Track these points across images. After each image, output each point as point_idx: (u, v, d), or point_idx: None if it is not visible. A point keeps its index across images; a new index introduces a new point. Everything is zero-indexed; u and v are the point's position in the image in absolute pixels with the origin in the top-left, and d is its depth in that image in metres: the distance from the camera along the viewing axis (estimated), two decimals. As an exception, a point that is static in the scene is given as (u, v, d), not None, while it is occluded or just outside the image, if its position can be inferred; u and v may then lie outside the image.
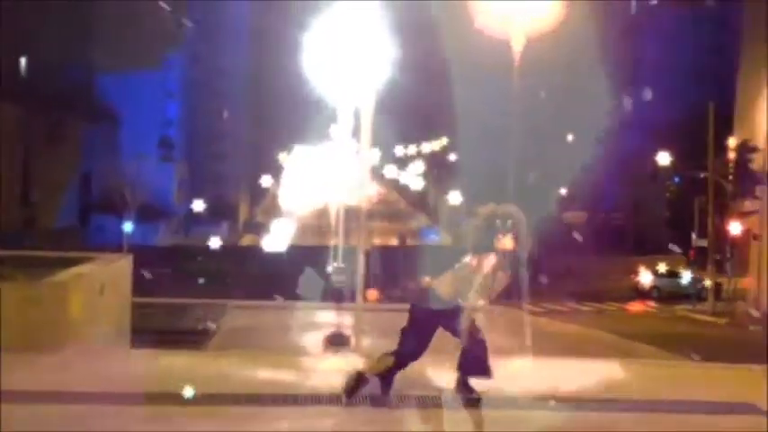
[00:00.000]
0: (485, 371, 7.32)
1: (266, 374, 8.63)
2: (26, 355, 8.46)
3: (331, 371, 8.46)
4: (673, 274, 41.66)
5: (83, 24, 53.95)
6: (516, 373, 8.65)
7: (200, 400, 7.37)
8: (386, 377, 7.30)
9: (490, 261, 7.31)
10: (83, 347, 9.16)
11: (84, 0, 54.50)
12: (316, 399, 7.67)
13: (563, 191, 52.46)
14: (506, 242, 7.30)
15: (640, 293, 41.37)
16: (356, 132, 19.78)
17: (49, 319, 9.17)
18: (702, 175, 39.56)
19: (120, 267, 11.28)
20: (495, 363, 7.45)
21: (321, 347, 15.44)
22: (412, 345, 7.26)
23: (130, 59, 55.34)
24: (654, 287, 41.50)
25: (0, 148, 44.60)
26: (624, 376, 9.25)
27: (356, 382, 7.29)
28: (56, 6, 50.51)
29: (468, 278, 7.33)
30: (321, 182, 47.13)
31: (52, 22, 50.48)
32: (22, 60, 50.63)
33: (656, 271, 41.85)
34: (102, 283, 10.37)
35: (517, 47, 36.48)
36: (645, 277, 42.04)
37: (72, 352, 8.92)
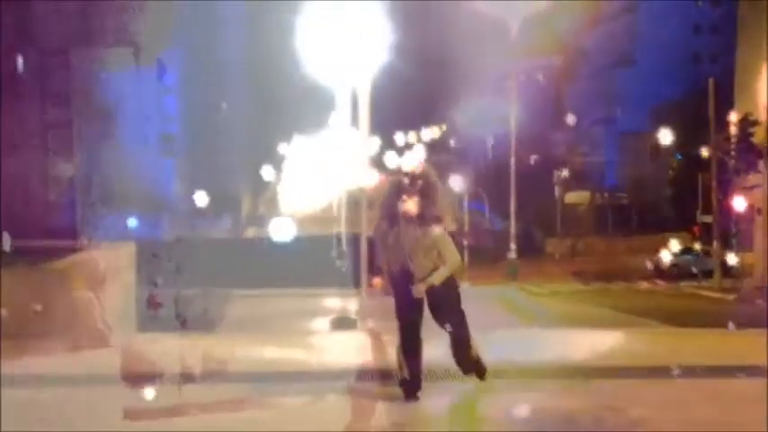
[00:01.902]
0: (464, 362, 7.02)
1: (272, 353, 8.59)
2: (29, 342, 8.42)
3: (338, 349, 8.42)
4: (689, 251, 41.34)
5: (78, 19, 53.75)
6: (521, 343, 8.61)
7: (207, 378, 7.34)
8: (412, 375, 6.95)
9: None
10: (87, 332, 9.12)
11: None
12: (323, 375, 7.63)
13: (565, 172, 52.38)
14: (409, 205, 6.81)
15: (659, 272, 40.85)
16: (355, 120, 19.75)
17: (52, 305, 9.13)
18: (705, 152, 39.39)
19: (124, 254, 11.22)
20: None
21: (328, 330, 15.40)
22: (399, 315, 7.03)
23: (127, 56, 55.22)
24: (674, 265, 40.98)
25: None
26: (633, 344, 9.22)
27: (406, 388, 6.94)
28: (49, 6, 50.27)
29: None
30: (322, 171, 47.10)
31: (49, 19, 50.27)
32: (20, 59, 50.59)
33: (677, 249, 41.31)
34: (104, 269, 10.31)
35: (514, 26, 36.34)
36: (664, 255, 41.56)
37: (76, 337, 8.88)
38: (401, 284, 6.84)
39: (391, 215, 6.86)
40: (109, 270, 10.33)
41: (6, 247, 8.76)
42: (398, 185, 6.92)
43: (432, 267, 6.80)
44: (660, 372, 7.82)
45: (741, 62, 44.74)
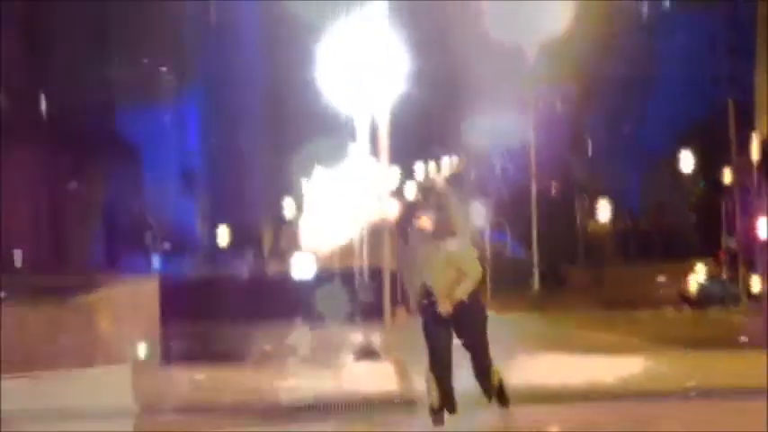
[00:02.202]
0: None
1: (298, 384, 8.57)
2: (56, 375, 8.46)
3: (363, 378, 8.39)
4: (715, 277, 40.92)
5: (100, 62, 54.55)
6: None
7: (233, 411, 7.33)
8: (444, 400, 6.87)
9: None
10: (112, 367, 9.14)
11: (102, 38, 55.14)
12: (349, 404, 7.60)
13: (586, 199, 52.16)
14: (423, 222, 6.77)
15: (686, 300, 40.42)
16: (375, 150, 19.77)
17: (78, 340, 9.18)
18: (727, 175, 39.20)
19: (148, 289, 11.29)
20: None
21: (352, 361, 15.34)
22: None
23: (149, 95, 55.82)
24: (701, 292, 40.53)
25: (26, 192, 45.10)
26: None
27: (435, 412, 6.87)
28: (73, 46, 51.11)
29: None
30: (343, 203, 47.17)
31: (70, 63, 51.09)
32: (43, 103, 51.21)
33: (702, 276, 40.90)
34: (129, 303, 10.38)
35: (530, 53, 36.49)
36: (691, 283, 41.17)
37: (101, 371, 8.90)
38: (426, 305, 6.80)
39: (407, 233, 6.83)
40: (133, 304, 10.40)
41: (18, 263, 8.88)
42: (412, 203, 7.03)
43: (453, 283, 6.71)
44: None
45: (760, 83, 44.64)
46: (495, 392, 6.78)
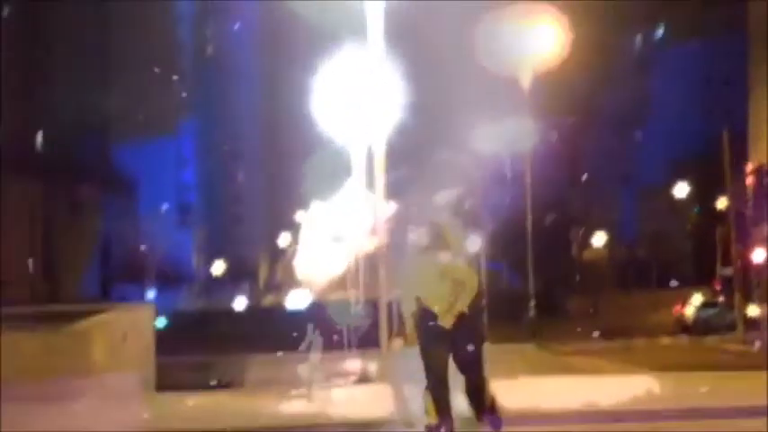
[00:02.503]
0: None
1: (294, 409, 8.53)
2: (52, 404, 8.40)
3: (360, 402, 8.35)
4: (712, 305, 40.84)
5: (97, 96, 54.81)
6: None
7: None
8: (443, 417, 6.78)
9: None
10: (108, 393, 9.09)
11: (99, 71, 55.44)
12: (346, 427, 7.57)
13: (582, 229, 52.25)
14: (416, 236, 6.81)
15: (685, 328, 40.30)
16: (371, 183, 19.76)
17: (73, 367, 9.13)
18: (722, 203, 39.30)
19: (143, 316, 11.26)
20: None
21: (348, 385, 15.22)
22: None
23: (146, 127, 56.06)
24: (700, 320, 40.44)
25: (22, 224, 45.04)
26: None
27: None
28: (69, 79, 51.38)
29: None
30: (338, 236, 47.12)
31: (66, 96, 51.30)
32: (39, 135, 51.32)
33: (699, 303, 40.83)
34: (124, 330, 10.34)
35: (525, 84, 36.65)
36: (689, 311, 41.09)
37: (97, 398, 8.85)
38: (423, 321, 6.73)
39: (400, 247, 6.83)
40: (129, 331, 10.36)
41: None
42: (405, 217, 7.00)
43: (449, 295, 6.63)
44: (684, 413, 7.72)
45: (754, 113, 44.97)
46: (488, 412, 6.72)
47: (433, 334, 6.71)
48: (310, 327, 15.63)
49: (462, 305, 6.67)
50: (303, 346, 11.46)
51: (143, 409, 8.52)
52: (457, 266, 6.76)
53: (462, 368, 6.80)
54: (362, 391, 10.42)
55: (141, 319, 11.07)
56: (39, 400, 8.44)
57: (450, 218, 7.16)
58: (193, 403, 8.66)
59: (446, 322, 6.66)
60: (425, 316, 6.75)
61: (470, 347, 6.75)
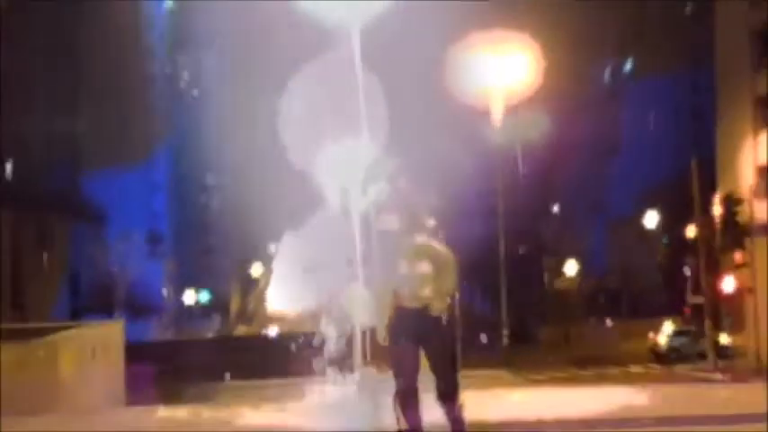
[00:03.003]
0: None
1: (266, 419, 8.45)
2: (20, 419, 8.25)
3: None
4: (682, 334, 41.04)
5: (68, 125, 54.59)
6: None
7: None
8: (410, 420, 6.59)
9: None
10: (77, 406, 8.96)
11: (69, 101, 55.24)
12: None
13: (553, 259, 52.50)
14: (388, 221, 6.63)
15: (658, 356, 40.41)
16: (346, 214, 19.63)
17: (41, 380, 8.99)
18: (691, 232, 39.64)
19: (111, 332, 11.14)
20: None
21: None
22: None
23: (117, 157, 55.79)
24: (672, 348, 40.56)
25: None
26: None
27: None
28: (40, 108, 51.14)
29: None
30: (312, 268, 46.95)
31: (37, 125, 51.05)
32: (8, 165, 50.89)
33: (671, 331, 40.99)
34: (93, 345, 10.21)
35: (497, 116, 36.88)
36: (661, 339, 41.22)
37: (66, 412, 8.71)
38: (399, 321, 6.46)
39: (375, 234, 6.83)
40: (98, 347, 10.23)
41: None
42: (379, 206, 6.86)
43: (428, 278, 6.39)
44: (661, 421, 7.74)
45: (722, 144, 45.59)
46: (457, 420, 6.58)
47: (407, 335, 6.50)
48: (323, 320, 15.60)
49: (450, 285, 6.48)
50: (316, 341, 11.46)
51: (113, 421, 8.40)
52: (433, 246, 6.56)
53: (436, 371, 6.62)
54: (334, 404, 10.34)
55: (110, 335, 10.94)
56: (5, 416, 8.29)
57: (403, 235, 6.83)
58: (163, 415, 8.56)
59: (438, 308, 6.44)
60: (402, 315, 6.51)
61: (438, 356, 6.55)
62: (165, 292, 57.17)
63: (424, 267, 6.43)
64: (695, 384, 27.80)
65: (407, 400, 6.51)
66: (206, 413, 9.20)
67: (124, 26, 57.44)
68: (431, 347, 6.54)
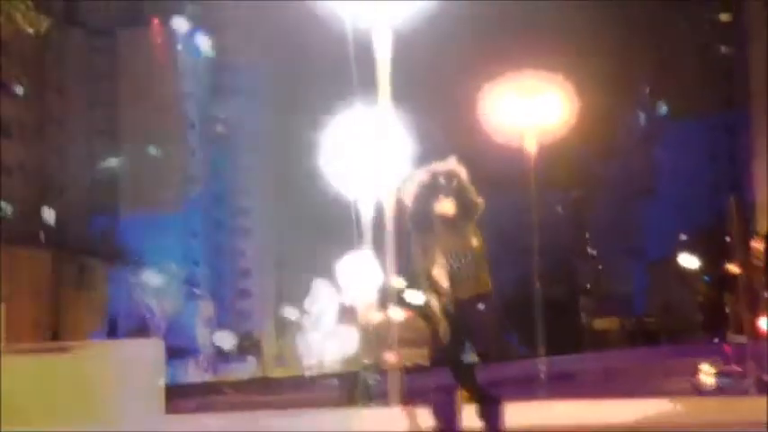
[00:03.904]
0: None
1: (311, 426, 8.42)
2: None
3: None
4: (724, 373, 40.31)
5: (107, 170, 55.57)
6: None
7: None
8: None
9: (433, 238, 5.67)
10: (116, 418, 9.00)
11: (109, 146, 56.24)
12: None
13: (591, 300, 52.05)
14: (445, 206, 5.75)
15: (701, 395, 39.69)
16: (380, 254, 19.52)
17: (77, 392, 9.05)
18: (731, 268, 39.23)
19: (151, 347, 11.20)
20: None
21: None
22: None
23: (154, 201, 56.53)
24: (715, 388, 39.82)
25: (32, 295, 45.15)
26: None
27: None
28: (81, 154, 52.15)
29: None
30: (346, 305, 46.98)
31: (79, 169, 52.02)
32: (51, 211, 51.78)
33: (714, 371, 40.32)
34: (131, 357, 10.28)
35: (531, 155, 36.77)
36: (704, 378, 40.50)
37: (103, 424, 8.76)
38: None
39: (423, 221, 5.76)
40: (136, 361, 10.26)
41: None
42: (432, 185, 5.81)
43: (472, 289, 5.66)
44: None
45: (759, 185, 45.21)
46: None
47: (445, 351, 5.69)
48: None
49: (481, 270, 5.72)
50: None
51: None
52: (482, 257, 5.82)
53: (457, 377, 5.75)
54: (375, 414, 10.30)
55: (148, 351, 11.00)
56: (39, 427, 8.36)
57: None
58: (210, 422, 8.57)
59: (464, 291, 5.67)
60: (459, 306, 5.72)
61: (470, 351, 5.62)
62: (200, 334, 57.42)
63: (468, 276, 5.74)
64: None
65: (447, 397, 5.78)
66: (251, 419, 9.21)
67: (162, 72, 58.60)
68: (453, 347, 5.69)
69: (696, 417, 8.53)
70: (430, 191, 5.87)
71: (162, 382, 10.83)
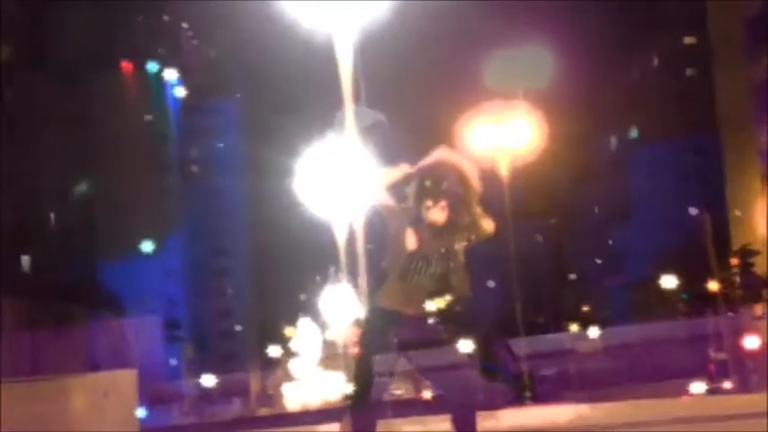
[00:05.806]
0: None
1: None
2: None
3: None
4: (710, 393, 40.39)
5: (82, 216, 55.31)
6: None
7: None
8: None
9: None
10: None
11: (83, 191, 56.07)
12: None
13: (573, 326, 52.15)
14: (434, 213, 4.91)
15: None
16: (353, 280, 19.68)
17: (54, 419, 9.01)
18: (710, 285, 39.51)
19: (125, 377, 11.16)
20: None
21: None
22: None
23: (131, 245, 56.34)
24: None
25: (7, 346, 44.66)
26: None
27: None
28: (54, 199, 51.94)
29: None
30: (329, 349, 46.99)
31: (54, 214, 51.76)
32: (25, 258, 51.46)
33: (703, 391, 40.40)
34: (105, 388, 10.24)
35: (504, 181, 37.02)
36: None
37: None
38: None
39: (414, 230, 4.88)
40: (111, 391, 10.23)
41: None
42: (420, 188, 4.96)
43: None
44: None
45: (732, 201, 45.81)
46: None
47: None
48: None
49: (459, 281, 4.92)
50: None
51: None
52: (459, 261, 5.12)
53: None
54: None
55: (124, 381, 10.96)
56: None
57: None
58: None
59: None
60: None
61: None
62: (184, 377, 56.97)
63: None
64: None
65: None
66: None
67: (136, 114, 58.73)
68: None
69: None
70: (419, 194, 5.04)
71: (138, 413, 10.81)
